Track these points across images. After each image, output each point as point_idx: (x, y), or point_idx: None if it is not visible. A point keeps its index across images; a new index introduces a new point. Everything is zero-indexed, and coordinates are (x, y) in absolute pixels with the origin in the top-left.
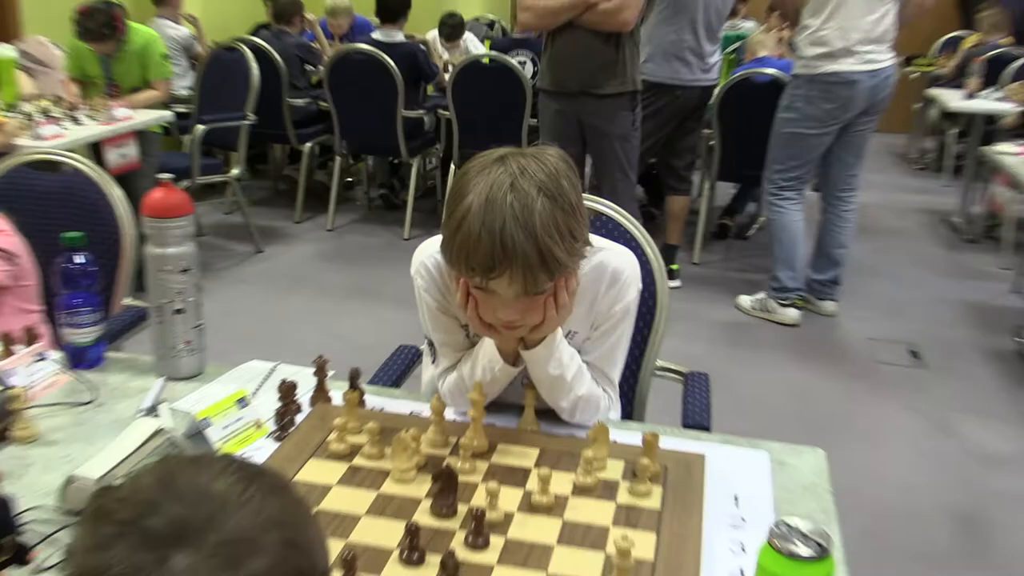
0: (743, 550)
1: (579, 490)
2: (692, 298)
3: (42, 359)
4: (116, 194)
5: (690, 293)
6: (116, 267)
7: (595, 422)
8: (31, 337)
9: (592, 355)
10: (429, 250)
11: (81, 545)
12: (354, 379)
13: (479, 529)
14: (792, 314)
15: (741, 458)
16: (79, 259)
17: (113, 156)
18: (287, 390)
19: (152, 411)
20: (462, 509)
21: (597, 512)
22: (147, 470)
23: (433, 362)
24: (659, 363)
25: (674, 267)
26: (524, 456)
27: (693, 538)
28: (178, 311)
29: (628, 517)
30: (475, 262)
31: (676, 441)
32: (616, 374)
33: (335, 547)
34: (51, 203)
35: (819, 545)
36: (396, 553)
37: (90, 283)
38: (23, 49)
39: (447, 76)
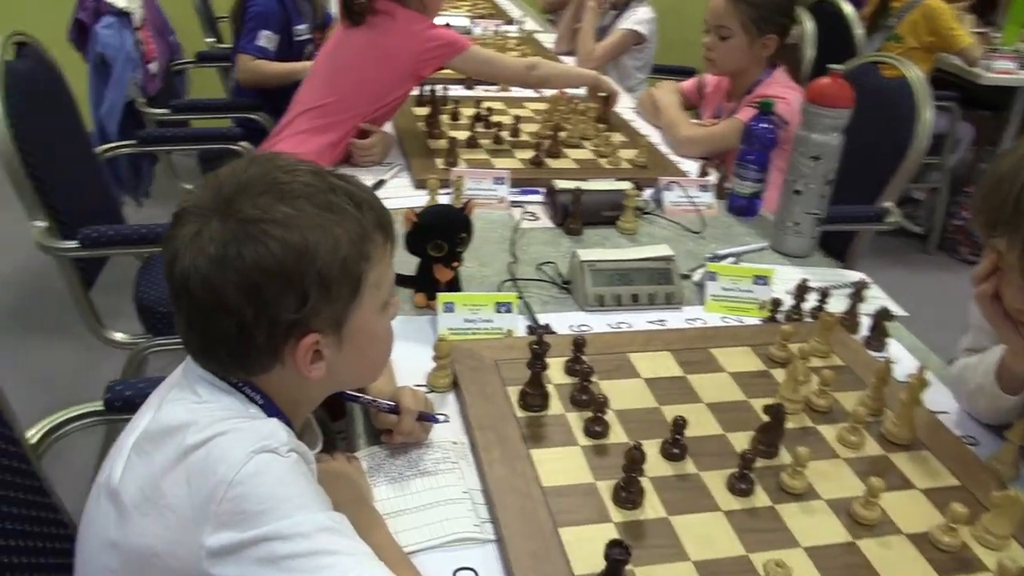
0: None
1: (916, 537)
2: None
3: (704, 190)
4: (928, 114)
5: None
6: (896, 167)
7: None
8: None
9: None
10: None
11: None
12: (882, 317)
13: (742, 474)
14: None
15: None
16: (765, 124)
17: None
18: (801, 290)
19: (718, 259)
20: (784, 456)
21: (900, 563)
22: (258, 159)
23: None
24: None
25: None
26: (928, 473)
27: None
28: (796, 192)
29: None
30: (981, 208)
31: None
32: None
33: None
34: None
35: None
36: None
37: (765, 146)
38: None
39: None
